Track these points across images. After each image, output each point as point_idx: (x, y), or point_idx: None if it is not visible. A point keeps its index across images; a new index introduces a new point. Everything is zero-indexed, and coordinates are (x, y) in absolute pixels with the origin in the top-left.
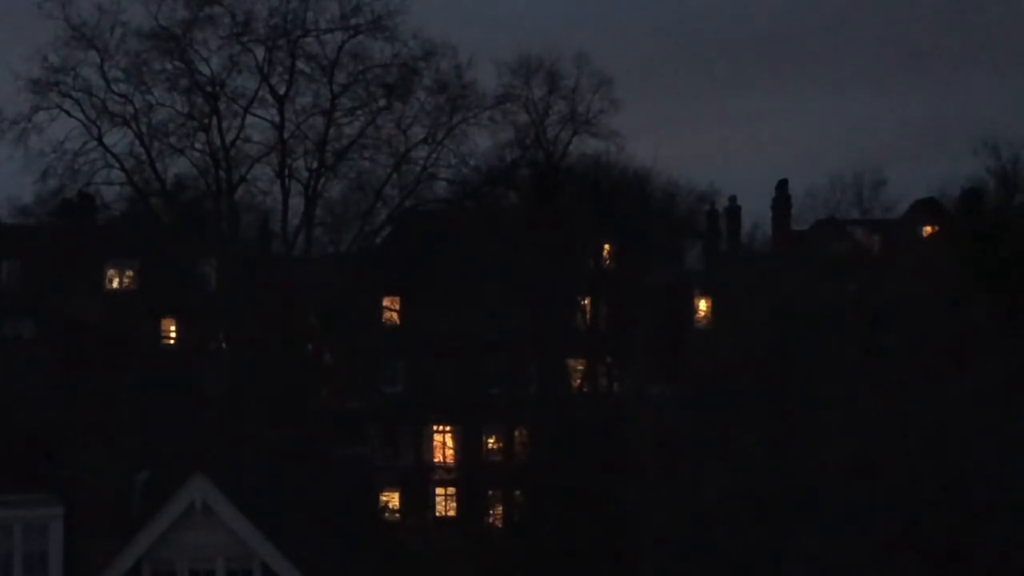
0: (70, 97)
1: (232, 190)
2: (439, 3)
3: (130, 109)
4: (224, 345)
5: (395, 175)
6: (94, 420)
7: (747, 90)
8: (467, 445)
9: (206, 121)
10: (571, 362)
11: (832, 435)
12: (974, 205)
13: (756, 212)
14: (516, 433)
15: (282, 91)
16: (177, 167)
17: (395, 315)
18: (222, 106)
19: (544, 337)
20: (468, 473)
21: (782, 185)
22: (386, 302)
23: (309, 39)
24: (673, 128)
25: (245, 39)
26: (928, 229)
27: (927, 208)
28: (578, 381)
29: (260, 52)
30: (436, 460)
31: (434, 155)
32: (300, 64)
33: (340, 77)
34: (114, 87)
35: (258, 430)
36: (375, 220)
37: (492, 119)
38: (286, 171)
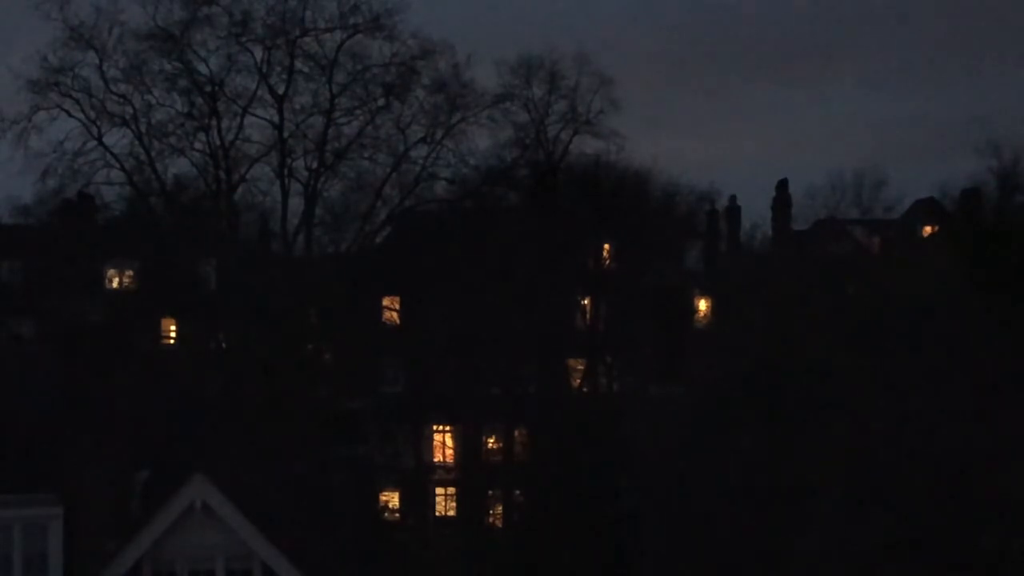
0: (70, 97)
1: (232, 190)
2: (439, 3)
3: (129, 109)
4: (224, 345)
5: (394, 175)
6: (94, 420)
7: (747, 90)
8: (467, 445)
9: (205, 121)
10: (571, 362)
11: (832, 435)
12: (974, 205)
13: (756, 212)
14: (516, 433)
15: (281, 91)
16: (177, 167)
17: (395, 315)
18: (221, 106)
19: (544, 337)
20: (468, 473)
21: (782, 185)
22: (386, 302)
23: (308, 39)
24: (673, 128)
25: (243, 39)
26: (928, 229)
27: (927, 208)
28: (578, 381)
29: (258, 52)
30: (436, 460)
31: (433, 155)
32: (299, 64)
33: (339, 77)
34: (113, 87)
35: (258, 430)
36: (375, 220)
37: (491, 118)
38: (286, 171)
